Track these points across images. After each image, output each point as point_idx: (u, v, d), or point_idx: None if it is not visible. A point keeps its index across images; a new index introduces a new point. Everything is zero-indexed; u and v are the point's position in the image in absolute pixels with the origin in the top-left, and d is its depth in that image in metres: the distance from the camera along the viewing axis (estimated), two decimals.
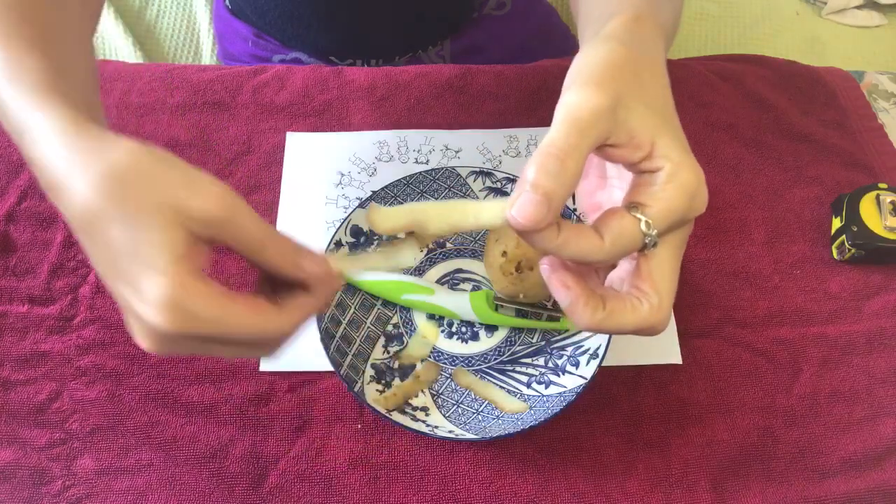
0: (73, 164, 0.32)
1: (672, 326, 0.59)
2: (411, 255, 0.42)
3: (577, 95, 0.34)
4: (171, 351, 0.34)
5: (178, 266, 0.31)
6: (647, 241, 0.35)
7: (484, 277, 0.61)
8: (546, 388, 0.56)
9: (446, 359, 0.58)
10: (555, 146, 0.33)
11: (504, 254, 0.56)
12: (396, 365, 0.57)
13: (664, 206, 0.34)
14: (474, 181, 0.63)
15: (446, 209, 0.38)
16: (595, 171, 0.43)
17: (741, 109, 0.73)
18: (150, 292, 0.31)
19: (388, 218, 0.39)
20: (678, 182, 0.35)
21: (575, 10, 0.52)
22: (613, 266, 0.40)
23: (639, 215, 0.34)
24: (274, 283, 0.36)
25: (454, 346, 0.59)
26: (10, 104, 0.35)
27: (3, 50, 0.37)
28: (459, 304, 0.58)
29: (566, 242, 0.34)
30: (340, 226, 0.60)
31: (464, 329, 0.59)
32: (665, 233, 0.35)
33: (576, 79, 0.36)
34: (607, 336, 0.54)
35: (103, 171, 0.32)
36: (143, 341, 0.34)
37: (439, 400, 0.56)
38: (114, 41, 1.05)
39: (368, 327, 0.59)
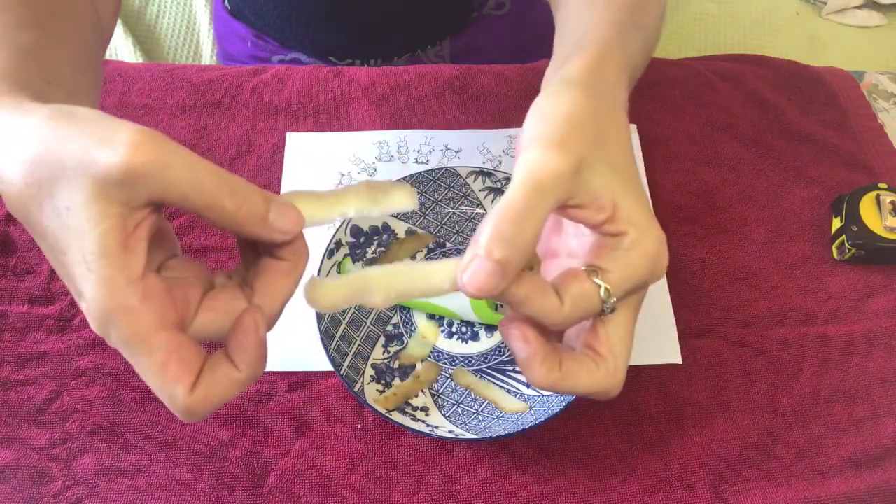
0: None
1: (672, 326, 0.59)
2: (405, 197, 0.35)
3: (538, 156, 0.32)
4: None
5: (106, 264, 0.27)
6: (605, 307, 0.34)
7: None
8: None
9: (446, 359, 0.58)
10: (512, 209, 0.31)
11: None
12: (396, 365, 0.57)
13: (626, 273, 0.33)
14: (474, 181, 0.63)
15: (392, 276, 0.34)
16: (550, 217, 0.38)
17: (741, 109, 0.73)
18: (85, 293, 0.28)
19: (326, 294, 0.34)
20: (641, 250, 0.34)
21: (554, 11, 0.51)
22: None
23: (599, 281, 0.33)
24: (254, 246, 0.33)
25: (454, 346, 0.59)
26: None
27: None
28: (459, 304, 0.58)
29: (526, 299, 0.33)
30: (340, 226, 0.60)
31: (464, 329, 0.59)
32: (623, 298, 0.34)
33: (537, 135, 0.34)
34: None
35: (20, 156, 0.28)
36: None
37: (439, 400, 0.56)
38: (114, 41, 1.05)
39: (368, 327, 0.59)
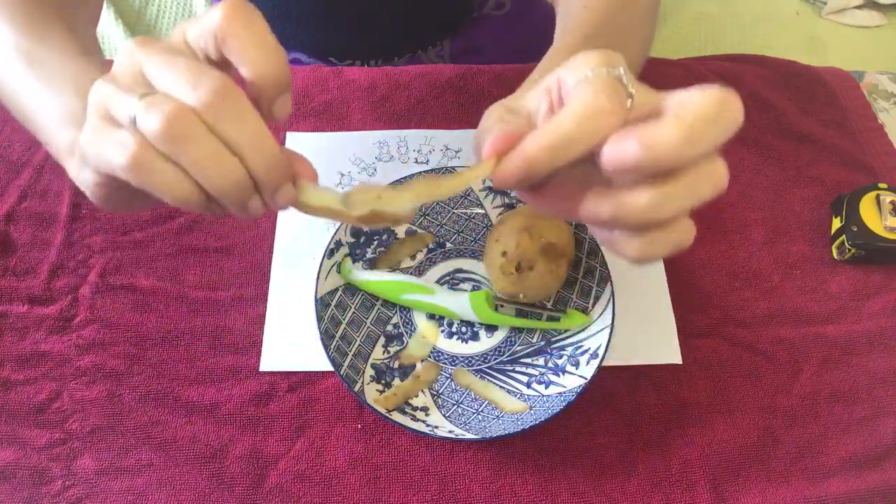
0: None
1: (672, 326, 0.59)
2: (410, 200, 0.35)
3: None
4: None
5: None
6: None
7: (484, 277, 0.61)
8: (546, 388, 0.56)
9: (446, 359, 0.58)
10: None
11: (504, 254, 0.56)
12: (396, 365, 0.57)
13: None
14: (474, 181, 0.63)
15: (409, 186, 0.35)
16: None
17: None
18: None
19: (319, 195, 0.34)
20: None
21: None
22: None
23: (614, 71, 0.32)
24: None
25: (454, 346, 0.59)
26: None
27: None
28: (459, 304, 0.58)
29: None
30: (340, 226, 0.60)
31: (464, 329, 0.59)
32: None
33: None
34: (607, 336, 0.54)
35: None
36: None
37: (439, 400, 0.56)
38: (114, 41, 1.05)
39: (368, 327, 0.59)
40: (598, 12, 0.47)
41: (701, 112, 0.31)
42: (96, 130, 0.31)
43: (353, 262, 0.60)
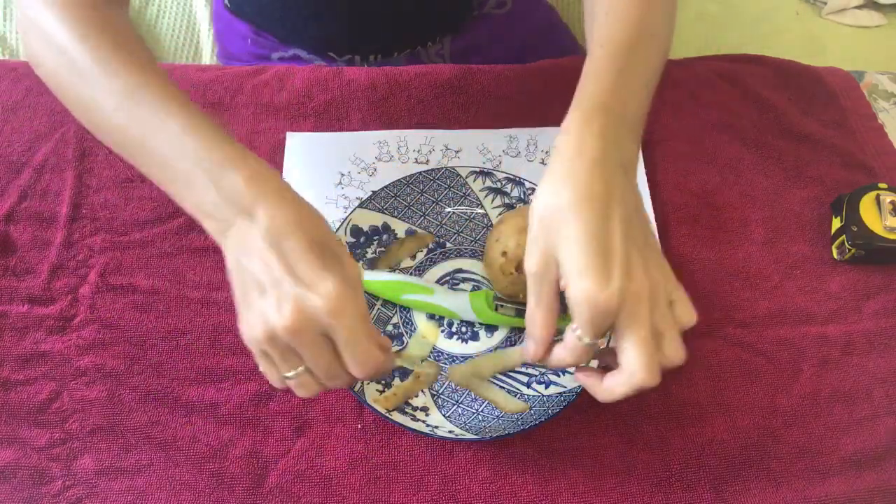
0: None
1: None
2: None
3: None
4: (275, 353, 0.43)
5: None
6: (585, 342, 0.43)
7: (484, 277, 0.61)
8: (546, 388, 0.56)
9: (446, 359, 0.58)
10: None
11: (504, 254, 0.56)
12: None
13: (578, 318, 0.42)
14: (474, 181, 0.63)
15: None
16: None
17: (741, 109, 0.73)
18: (323, 286, 0.40)
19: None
20: (572, 297, 0.41)
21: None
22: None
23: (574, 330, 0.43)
24: None
25: (454, 346, 0.59)
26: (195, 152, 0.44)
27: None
28: (459, 304, 0.58)
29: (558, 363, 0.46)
30: (340, 226, 0.60)
31: (464, 329, 0.59)
32: (595, 329, 0.42)
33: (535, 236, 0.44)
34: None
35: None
36: (258, 329, 0.42)
37: (439, 400, 0.56)
38: None
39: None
40: (620, 21, 0.50)
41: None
42: (260, 356, 0.45)
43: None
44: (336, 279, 0.41)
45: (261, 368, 0.45)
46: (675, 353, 0.43)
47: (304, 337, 0.41)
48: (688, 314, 0.45)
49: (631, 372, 0.42)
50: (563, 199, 0.42)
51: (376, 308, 0.60)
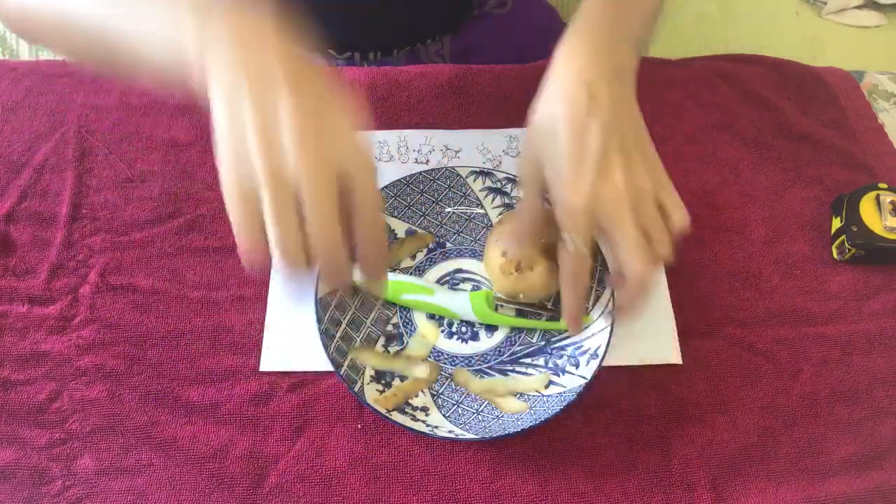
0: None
1: (672, 326, 0.59)
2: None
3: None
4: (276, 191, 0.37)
5: None
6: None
7: (484, 277, 0.61)
8: (546, 388, 0.56)
9: (446, 359, 0.58)
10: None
11: (504, 254, 0.56)
12: None
13: None
14: (474, 181, 0.63)
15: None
16: None
17: (741, 109, 0.73)
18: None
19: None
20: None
21: None
22: None
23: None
24: None
25: (454, 346, 0.59)
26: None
27: None
28: (459, 304, 0.58)
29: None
30: None
31: (464, 329, 0.59)
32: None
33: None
34: (607, 336, 0.54)
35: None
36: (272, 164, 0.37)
37: (439, 400, 0.56)
38: None
39: (368, 327, 0.59)
40: None
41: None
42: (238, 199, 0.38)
43: (354, 261, 0.60)
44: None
45: (234, 220, 0.38)
46: (665, 252, 0.44)
47: (325, 176, 0.37)
48: (678, 216, 0.45)
49: (627, 273, 0.43)
50: (548, 111, 0.44)
51: (376, 308, 0.60)
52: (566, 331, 0.58)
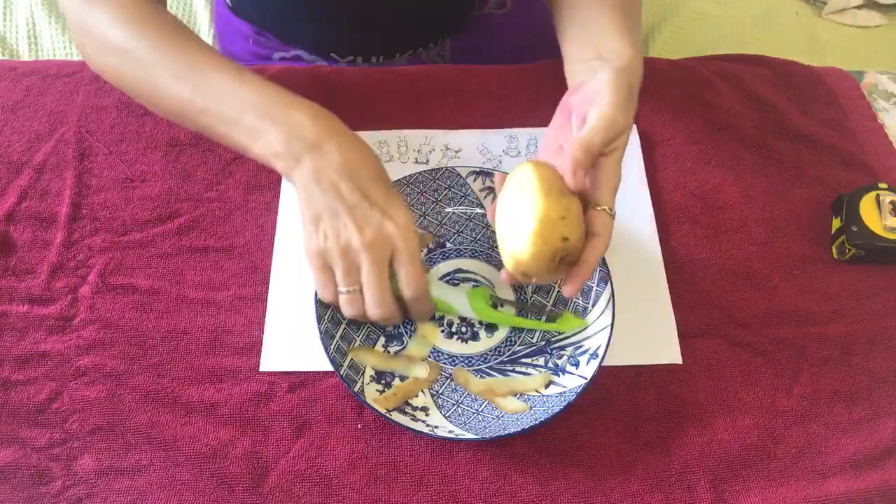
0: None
1: (672, 326, 0.59)
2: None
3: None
4: (340, 259, 0.50)
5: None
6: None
7: (484, 277, 0.61)
8: (546, 387, 0.56)
9: (446, 359, 0.58)
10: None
11: (566, 239, 0.48)
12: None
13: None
14: (474, 181, 0.63)
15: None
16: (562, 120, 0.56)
17: (741, 109, 0.73)
18: (400, 216, 0.50)
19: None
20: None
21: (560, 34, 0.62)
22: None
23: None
24: None
25: (454, 346, 0.59)
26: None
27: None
28: (457, 299, 0.58)
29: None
30: None
31: (464, 329, 0.59)
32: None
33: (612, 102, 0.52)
34: (607, 336, 0.54)
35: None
36: (335, 244, 0.50)
37: (439, 400, 0.56)
38: None
39: (368, 327, 0.59)
40: None
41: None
42: (321, 269, 0.52)
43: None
44: (406, 210, 0.51)
45: (315, 282, 0.52)
46: None
47: (376, 253, 0.49)
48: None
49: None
50: (622, 117, 0.51)
51: None
52: (564, 332, 0.58)
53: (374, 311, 0.51)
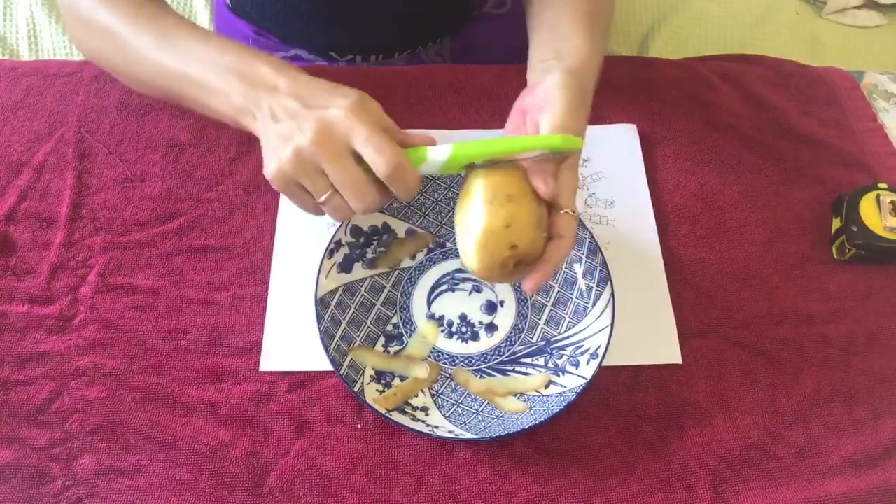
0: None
1: (672, 326, 0.59)
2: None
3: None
4: (297, 170, 0.47)
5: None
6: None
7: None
8: (546, 388, 0.56)
9: (446, 359, 0.58)
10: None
11: (514, 247, 0.48)
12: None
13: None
14: None
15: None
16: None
17: (741, 109, 0.73)
18: (340, 102, 0.48)
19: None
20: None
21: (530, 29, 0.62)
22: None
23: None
24: None
25: (454, 346, 0.59)
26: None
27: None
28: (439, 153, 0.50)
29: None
30: (341, 226, 0.60)
31: (464, 329, 0.59)
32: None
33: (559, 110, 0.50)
34: (607, 336, 0.54)
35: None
36: (284, 154, 0.47)
37: (439, 400, 0.56)
38: None
39: (368, 327, 0.59)
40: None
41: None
42: (290, 191, 0.50)
43: (354, 261, 0.60)
44: (351, 98, 0.48)
45: (293, 202, 0.51)
46: None
47: (329, 148, 0.47)
48: None
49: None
50: (573, 123, 0.50)
51: (375, 308, 0.60)
52: (564, 334, 0.58)
53: (356, 207, 0.48)
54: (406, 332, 0.59)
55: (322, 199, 0.49)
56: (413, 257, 0.62)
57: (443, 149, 0.49)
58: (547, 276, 0.49)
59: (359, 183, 0.47)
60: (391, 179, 0.47)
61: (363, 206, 0.48)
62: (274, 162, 0.48)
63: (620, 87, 0.73)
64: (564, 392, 0.54)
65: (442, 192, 0.63)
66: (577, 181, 0.52)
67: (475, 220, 0.48)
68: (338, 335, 0.56)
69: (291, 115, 0.48)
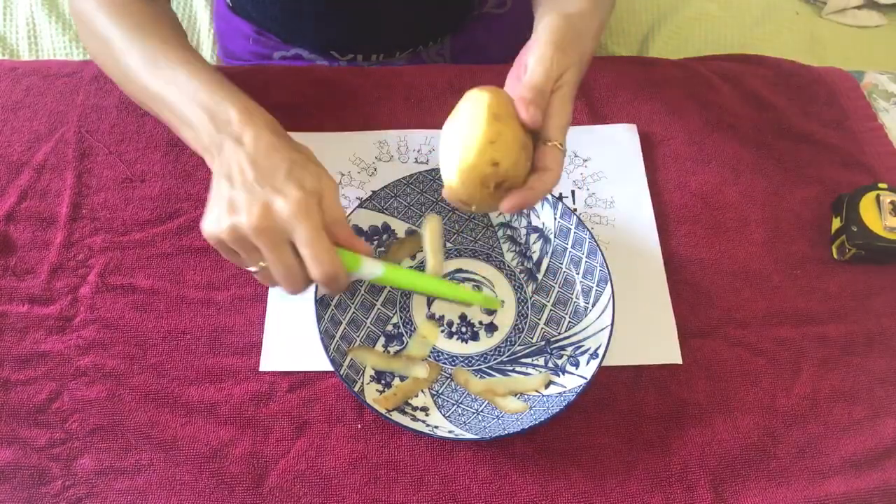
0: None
1: (672, 326, 0.59)
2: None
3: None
4: (233, 241, 0.47)
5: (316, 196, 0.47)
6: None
7: (484, 277, 0.61)
8: (546, 387, 0.56)
9: (446, 359, 0.58)
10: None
11: (496, 164, 0.46)
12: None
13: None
14: None
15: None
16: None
17: (741, 109, 0.73)
18: (291, 192, 0.46)
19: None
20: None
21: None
22: None
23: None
24: None
25: (454, 346, 0.59)
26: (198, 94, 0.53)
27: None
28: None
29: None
30: None
31: (464, 329, 0.59)
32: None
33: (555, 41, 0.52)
34: (607, 336, 0.54)
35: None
36: (225, 223, 0.46)
37: (439, 400, 0.56)
38: None
39: (368, 327, 0.59)
40: None
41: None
42: (222, 250, 0.49)
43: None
44: (305, 189, 0.47)
45: (224, 256, 0.50)
46: None
47: (268, 237, 0.46)
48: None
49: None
50: (560, 53, 0.51)
51: (376, 308, 0.60)
52: (564, 333, 0.58)
53: (285, 289, 0.48)
54: (406, 332, 0.59)
55: (252, 269, 0.49)
56: (413, 257, 0.62)
57: (376, 266, 0.50)
58: (527, 202, 0.48)
59: (291, 271, 0.47)
60: (323, 284, 0.48)
61: (292, 290, 0.48)
62: (213, 224, 0.48)
63: (620, 87, 0.73)
64: (564, 392, 0.54)
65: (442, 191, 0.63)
66: (570, 114, 0.51)
67: (460, 133, 0.48)
68: (338, 335, 0.56)
69: (243, 185, 0.48)
